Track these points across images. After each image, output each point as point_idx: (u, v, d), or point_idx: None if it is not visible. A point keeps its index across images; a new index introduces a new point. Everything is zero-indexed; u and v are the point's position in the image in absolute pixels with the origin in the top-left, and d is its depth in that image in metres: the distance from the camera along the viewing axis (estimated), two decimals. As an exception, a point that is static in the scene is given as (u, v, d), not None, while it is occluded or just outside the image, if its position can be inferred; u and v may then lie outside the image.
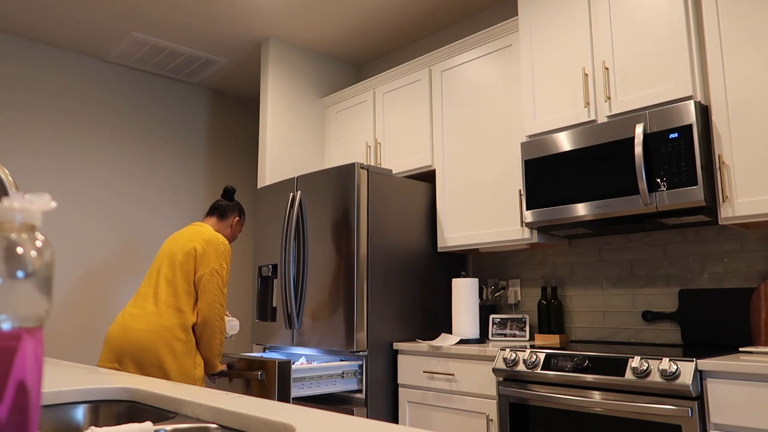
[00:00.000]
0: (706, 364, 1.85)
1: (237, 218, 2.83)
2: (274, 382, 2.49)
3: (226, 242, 2.60)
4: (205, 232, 2.58)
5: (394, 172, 3.42)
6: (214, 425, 0.97)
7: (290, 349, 3.17)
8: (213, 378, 2.63)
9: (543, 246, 2.92)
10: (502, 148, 2.93)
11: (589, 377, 2.08)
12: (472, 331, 2.86)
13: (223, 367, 2.59)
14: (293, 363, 2.66)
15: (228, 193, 2.85)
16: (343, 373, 2.74)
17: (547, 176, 2.58)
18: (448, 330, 3.20)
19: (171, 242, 2.62)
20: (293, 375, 2.54)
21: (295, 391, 2.56)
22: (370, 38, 3.97)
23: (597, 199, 2.41)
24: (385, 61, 4.26)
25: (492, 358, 2.46)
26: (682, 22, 2.30)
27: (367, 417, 2.75)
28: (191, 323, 2.46)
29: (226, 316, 2.94)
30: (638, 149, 2.26)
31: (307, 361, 2.92)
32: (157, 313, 2.44)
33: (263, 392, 2.53)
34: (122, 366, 2.40)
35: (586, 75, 2.56)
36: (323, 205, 3.00)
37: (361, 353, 2.79)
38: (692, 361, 1.88)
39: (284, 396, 2.49)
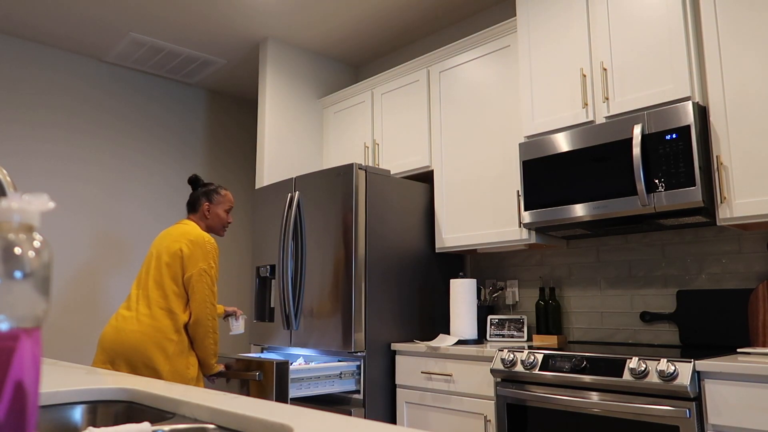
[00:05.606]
0: (703, 364, 1.86)
1: (206, 204, 2.72)
2: (271, 382, 2.48)
3: (213, 241, 2.58)
4: (191, 232, 2.57)
5: (392, 172, 3.42)
6: (212, 426, 0.97)
7: (288, 350, 3.17)
8: (211, 379, 2.63)
9: (541, 247, 2.93)
10: (500, 149, 2.93)
11: (587, 378, 2.08)
12: (470, 331, 2.86)
13: (220, 368, 2.59)
14: (291, 363, 2.66)
15: (190, 184, 2.79)
16: (341, 373, 2.74)
17: (546, 177, 2.58)
18: (446, 330, 3.20)
19: (158, 242, 2.62)
20: (291, 375, 2.54)
21: (293, 392, 2.56)
22: (369, 39, 3.97)
23: (595, 199, 2.41)
24: (384, 61, 4.26)
25: (490, 359, 2.46)
26: (680, 22, 2.30)
27: (365, 417, 2.75)
28: (183, 324, 2.46)
29: (233, 316, 2.93)
30: (636, 150, 2.26)
31: (305, 361, 2.92)
32: (149, 314, 2.45)
33: (261, 393, 2.53)
34: (115, 367, 2.41)
35: (584, 76, 2.57)
36: (321, 206, 3.00)
37: (359, 354, 2.79)
38: (690, 361, 1.88)
39: (282, 396, 2.49)
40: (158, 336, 2.41)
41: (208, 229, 2.74)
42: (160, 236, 2.64)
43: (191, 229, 2.59)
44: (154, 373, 2.38)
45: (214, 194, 2.75)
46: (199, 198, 2.74)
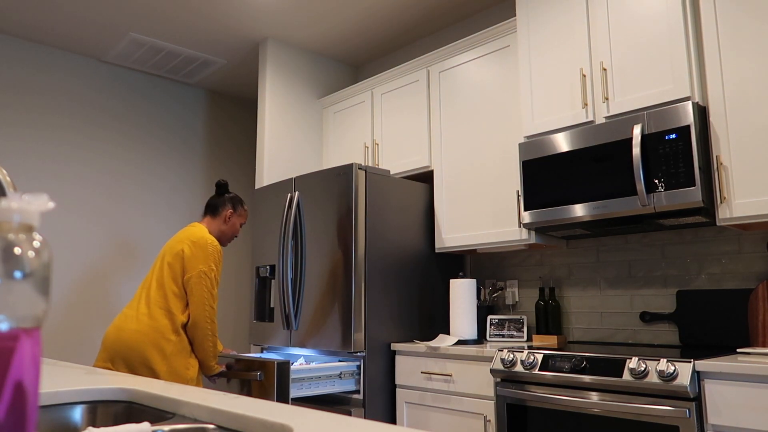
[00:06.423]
0: (703, 365, 1.86)
1: (230, 211, 2.75)
2: (273, 382, 2.48)
3: (215, 243, 2.57)
4: (195, 233, 2.57)
5: (392, 172, 3.42)
6: (212, 426, 0.97)
7: (288, 350, 3.17)
8: (212, 379, 2.63)
9: (541, 247, 2.93)
10: (500, 149, 2.93)
11: (587, 378, 2.08)
12: (470, 331, 2.86)
13: (221, 369, 2.59)
14: (292, 363, 2.66)
15: (219, 188, 2.81)
16: (341, 373, 2.74)
17: (545, 177, 2.58)
18: (446, 331, 3.20)
19: (167, 244, 2.64)
20: (292, 375, 2.54)
21: (294, 392, 2.56)
22: (369, 39, 3.97)
23: (595, 200, 2.41)
24: (384, 61, 4.26)
25: (490, 359, 2.46)
26: (680, 22, 2.30)
27: (364, 417, 2.75)
28: (181, 324, 2.46)
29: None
30: (636, 150, 2.26)
31: (305, 361, 2.92)
32: (149, 314, 2.45)
33: (262, 393, 2.53)
34: (114, 366, 2.41)
35: (584, 76, 2.57)
36: (321, 206, 3.00)
37: (358, 354, 2.79)
38: (690, 362, 1.88)
39: (283, 397, 2.49)
40: (156, 336, 2.41)
41: (221, 235, 2.75)
42: (171, 238, 2.67)
43: (197, 230, 2.59)
44: (151, 373, 2.38)
45: (239, 206, 2.81)
46: (225, 203, 2.76)
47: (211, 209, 2.76)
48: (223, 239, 2.77)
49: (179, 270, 2.50)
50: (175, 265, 2.51)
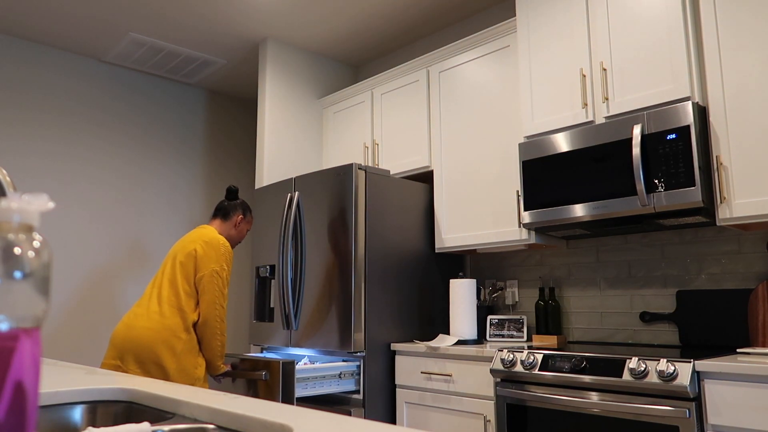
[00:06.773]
0: (703, 365, 1.86)
1: (240, 216, 2.81)
2: (278, 382, 2.49)
3: (227, 244, 2.62)
4: (207, 234, 2.61)
5: (391, 172, 3.42)
6: (212, 426, 0.97)
7: (288, 350, 3.17)
8: (218, 378, 2.64)
9: (541, 247, 2.93)
10: (500, 149, 2.93)
11: (587, 378, 2.08)
12: (470, 331, 2.86)
13: (227, 368, 2.60)
14: (296, 363, 2.66)
15: (230, 193, 2.86)
16: (340, 373, 2.74)
17: (545, 177, 2.58)
18: (446, 331, 3.20)
19: (177, 244, 2.67)
20: (297, 375, 2.54)
21: (299, 392, 2.56)
22: (368, 39, 3.97)
23: (595, 200, 2.41)
24: (383, 61, 4.26)
25: (489, 359, 2.46)
26: (680, 22, 2.30)
27: (364, 418, 2.75)
28: (192, 323, 2.48)
29: None
30: (636, 150, 2.26)
31: (309, 361, 2.92)
32: (160, 312, 2.47)
33: (267, 392, 2.53)
34: (123, 363, 2.42)
35: (584, 76, 2.57)
36: (321, 206, 3.00)
37: (358, 354, 2.79)
38: (690, 362, 1.88)
39: (288, 396, 2.49)
40: (167, 333, 2.43)
41: (229, 239, 2.83)
42: (180, 239, 2.70)
43: (208, 231, 2.64)
44: (162, 370, 2.39)
45: (249, 213, 2.88)
46: (236, 208, 2.82)
47: (222, 213, 2.80)
48: (231, 243, 2.81)
49: (192, 269, 2.53)
50: (188, 264, 2.53)
